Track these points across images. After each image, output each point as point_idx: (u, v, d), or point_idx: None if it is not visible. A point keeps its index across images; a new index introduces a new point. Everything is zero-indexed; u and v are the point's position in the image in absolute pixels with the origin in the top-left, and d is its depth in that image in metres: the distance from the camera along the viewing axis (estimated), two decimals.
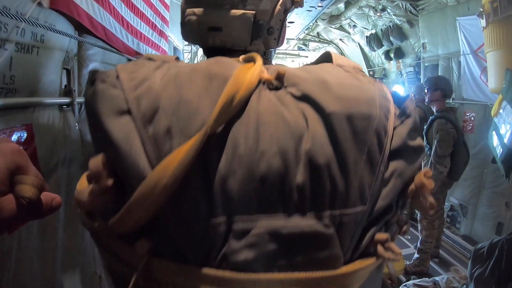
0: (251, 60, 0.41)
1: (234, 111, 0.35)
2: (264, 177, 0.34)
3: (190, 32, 0.52)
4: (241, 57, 0.43)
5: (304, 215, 0.35)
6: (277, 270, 0.35)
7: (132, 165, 0.33)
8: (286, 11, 0.54)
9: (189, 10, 0.50)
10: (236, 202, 0.34)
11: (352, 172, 0.35)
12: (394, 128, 0.39)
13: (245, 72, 0.37)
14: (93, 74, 0.38)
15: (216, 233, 0.34)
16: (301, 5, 0.56)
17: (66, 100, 1.14)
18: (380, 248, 0.38)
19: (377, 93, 0.40)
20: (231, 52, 0.51)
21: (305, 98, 0.37)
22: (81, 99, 1.23)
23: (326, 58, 0.48)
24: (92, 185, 0.34)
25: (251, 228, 0.34)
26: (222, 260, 0.35)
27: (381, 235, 0.38)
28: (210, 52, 0.47)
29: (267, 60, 0.58)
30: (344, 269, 0.36)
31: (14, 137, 0.93)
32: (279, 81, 0.39)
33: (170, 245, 0.35)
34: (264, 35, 0.51)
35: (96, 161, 0.34)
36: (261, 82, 0.39)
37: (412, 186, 0.39)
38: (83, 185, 0.37)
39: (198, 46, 4.36)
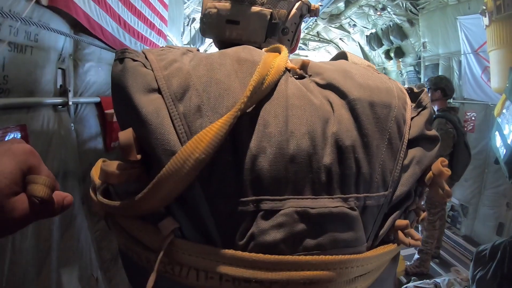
0: (276, 50, 0.43)
1: (265, 92, 0.36)
2: (293, 156, 0.35)
3: (208, 24, 0.53)
4: (265, 49, 0.45)
5: (331, 196, 0.35)
6: (303, 251, 0.35)
7: (162, 139, 0.33)
8: (301, 16, 0.55)
9: (210, 4, 0.51)
10: (265, 181, 0.34)
11: (375, 156, 0.37)
12: (412, 119, 0.42)
13: (273, 59, 0.39)
14: (123, 52, 0.39)
15: (244, 211, 0.34)
16: (316, 14, 0.58)
17: (61, 100, 1.12)
18: (400, 234, 0.40)
19: (394, 86, 0.42)
20: None
21: (329, 86, 0.39)
22: (76, 99, 1.22)
23: (342, 56, 0.51)
24: (120, 159, 0.35)
25: (280, 208, 0.34)
26: (250, 241, 0.34)
27: (401, 222, 0.40)
28: (225, 46, 0.47)
29: None
30: (369, 253, 0.37)
31: (8, 138, 0.91)
32: (303, 71, 0.41)
33: (196, 225, 0.35)
34: (278, 34, 0.53)
35: (127, 134, 0.34)
36: (286, 70, 0.40)
37: (430, 174, 0.41)
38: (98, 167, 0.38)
39: (198, 45, 4.36)
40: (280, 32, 0.53)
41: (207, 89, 0.35)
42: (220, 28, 0.52)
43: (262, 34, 0.51)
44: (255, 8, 0.50)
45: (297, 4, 0.53)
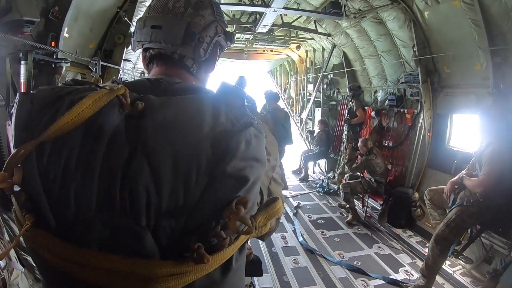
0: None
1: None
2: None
3: (137, 30, 0.69)
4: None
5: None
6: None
7: None
8: (216, 34, 0.69)
9: (143, 16, 0.69)
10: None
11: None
12: None
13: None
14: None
15: None
16: (231, 40, 0.72)
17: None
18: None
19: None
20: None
21: None
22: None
23: None
24: None
25: None
26: None
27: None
28: (151, 55, 0.68)
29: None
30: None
31: None
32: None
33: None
34: (194, 41, 0.65)
35: None
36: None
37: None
38: None
39: None
40: (196, 40, 0.65)
41: None
42: (147, 32, 0.65)
43: (180, 38, 0.64)
44: (174, 18, 0.65)
45: (212, 22, 0.67)
